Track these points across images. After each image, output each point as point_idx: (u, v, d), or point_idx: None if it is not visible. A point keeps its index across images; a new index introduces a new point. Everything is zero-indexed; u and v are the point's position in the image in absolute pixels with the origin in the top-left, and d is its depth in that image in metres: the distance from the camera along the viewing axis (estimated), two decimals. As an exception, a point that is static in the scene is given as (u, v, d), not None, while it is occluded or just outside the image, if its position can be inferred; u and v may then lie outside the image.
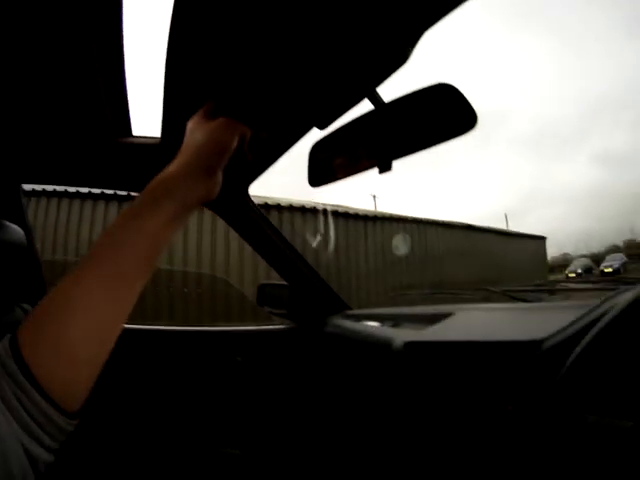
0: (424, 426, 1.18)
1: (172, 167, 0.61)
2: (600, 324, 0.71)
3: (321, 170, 0.89)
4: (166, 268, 6.49)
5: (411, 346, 1.20)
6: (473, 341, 1.11)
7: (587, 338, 0.70)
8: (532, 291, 1.54)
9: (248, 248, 1.70)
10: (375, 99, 0.76)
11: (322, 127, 0.84)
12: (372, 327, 1.45)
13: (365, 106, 0.78)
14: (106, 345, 0.54)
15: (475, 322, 1.26)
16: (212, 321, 6.46)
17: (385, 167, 0.75)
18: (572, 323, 0.93)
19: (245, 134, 0.67)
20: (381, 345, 1.29)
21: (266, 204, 7.13)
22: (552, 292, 1.61)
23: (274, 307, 1.78)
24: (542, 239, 14.97)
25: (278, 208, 7.27)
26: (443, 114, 0.70)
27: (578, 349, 0.69)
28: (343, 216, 8.16)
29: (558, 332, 0.98)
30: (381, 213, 9.38)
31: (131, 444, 1.55)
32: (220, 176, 0.64)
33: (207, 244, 6.92)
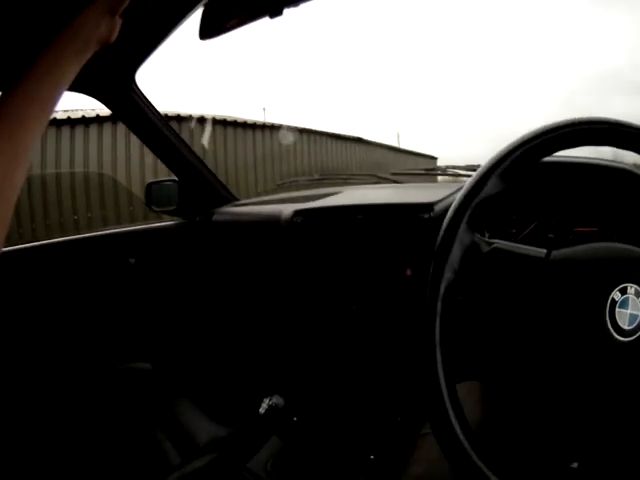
0: (321, 297, 1.18)
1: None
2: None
3: (213, 22, 0.86)
4: (51, 172, 6.03)
5: (300, 214, 1.18)
6: (365, 204, 1.12)
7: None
8: (420, 174, 1.57)
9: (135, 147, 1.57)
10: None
11: None
12: (260, 207, 1.43)
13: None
14: (10, 201, 0.53)
15: (366, 194, 1.26)
16: (103, 225, 6.11)
17: (276, 12, 0.77)
18: (456, 191, 0.96)
19: None
20: (270, 221, 1.27)
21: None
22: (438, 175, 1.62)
23: (164, 205, 1.68)
24: (433, 159, 15.03)
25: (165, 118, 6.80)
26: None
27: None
28: (232, 125, 7.95)
29: (446, 197, 1.02)
30: (270, 123, 9.09)
31: (30, 371, 1.36)
32: (119, 21, 0.66)
33: (94, 146, 6.45)
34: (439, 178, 1.68)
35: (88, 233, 1.57)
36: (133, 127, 1.44)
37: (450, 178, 1.50)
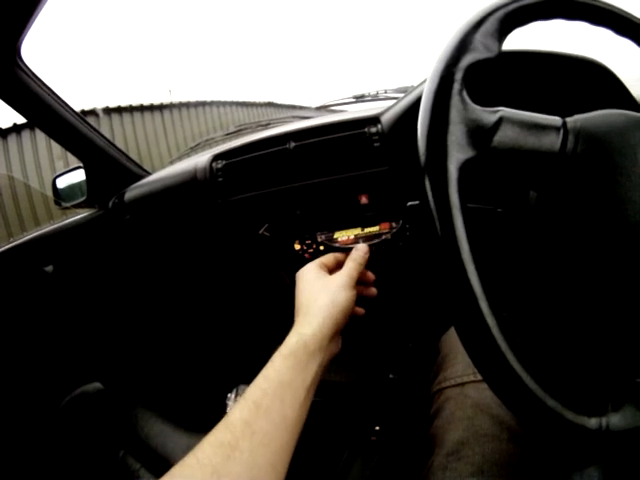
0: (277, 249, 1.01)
1: (307, 329, 0.54)
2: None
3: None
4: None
5: (220, 157, 1.00)
6: (298, 130, 0.93)
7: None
8: (350, 103, 1.40)
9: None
10: None
11: None
12: (172, 168, 1.20)
13: None
14: None
15: (293, 126, 1.06)
16: (21, 232, 5.64)
17: None
18: (397, 103, 0.84)
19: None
20: (184, 180, 1.07)
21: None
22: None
23: (74, 198, 1.40)
24: (335, 106, 14.99)
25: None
26: None
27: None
28: (138, 110, 7.54)
29: (389, 109, 0.86)
30: (178, 102, 8.68)
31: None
32: None
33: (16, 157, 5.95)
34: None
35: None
36: (22, 110, 1.14)
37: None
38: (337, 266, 0.65)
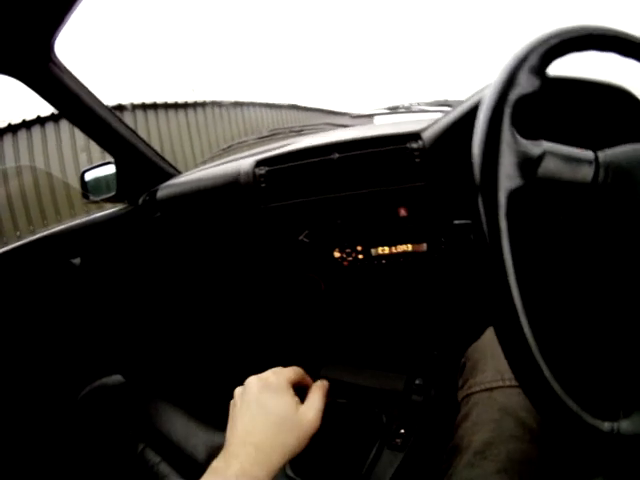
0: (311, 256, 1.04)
1: (259, 472, 0.47)
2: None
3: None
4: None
5: (263, 163, 1.01)
6: (342, 141, 0.94)
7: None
8: (383, 114, 1.41)
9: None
10: None
11: None
12: (210, 170, 1.21)
13: None
14: None
15: (332, 135, 1.07)
16: (43, 224, 5.72)
17: None
18: (440, 119, 0.85)
19: None
20: (226, 182, 1.08)
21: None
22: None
23: (103, 193, 1.43)
24: (370, 117, 15.10)
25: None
26: None
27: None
28: (163, 107, 7.65)
29: (430, 125, 0.87)
30: (202, 101, 8.76)
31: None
32: None
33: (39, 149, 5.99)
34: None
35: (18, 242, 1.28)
36: (57, 104, 1.17)
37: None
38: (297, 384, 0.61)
